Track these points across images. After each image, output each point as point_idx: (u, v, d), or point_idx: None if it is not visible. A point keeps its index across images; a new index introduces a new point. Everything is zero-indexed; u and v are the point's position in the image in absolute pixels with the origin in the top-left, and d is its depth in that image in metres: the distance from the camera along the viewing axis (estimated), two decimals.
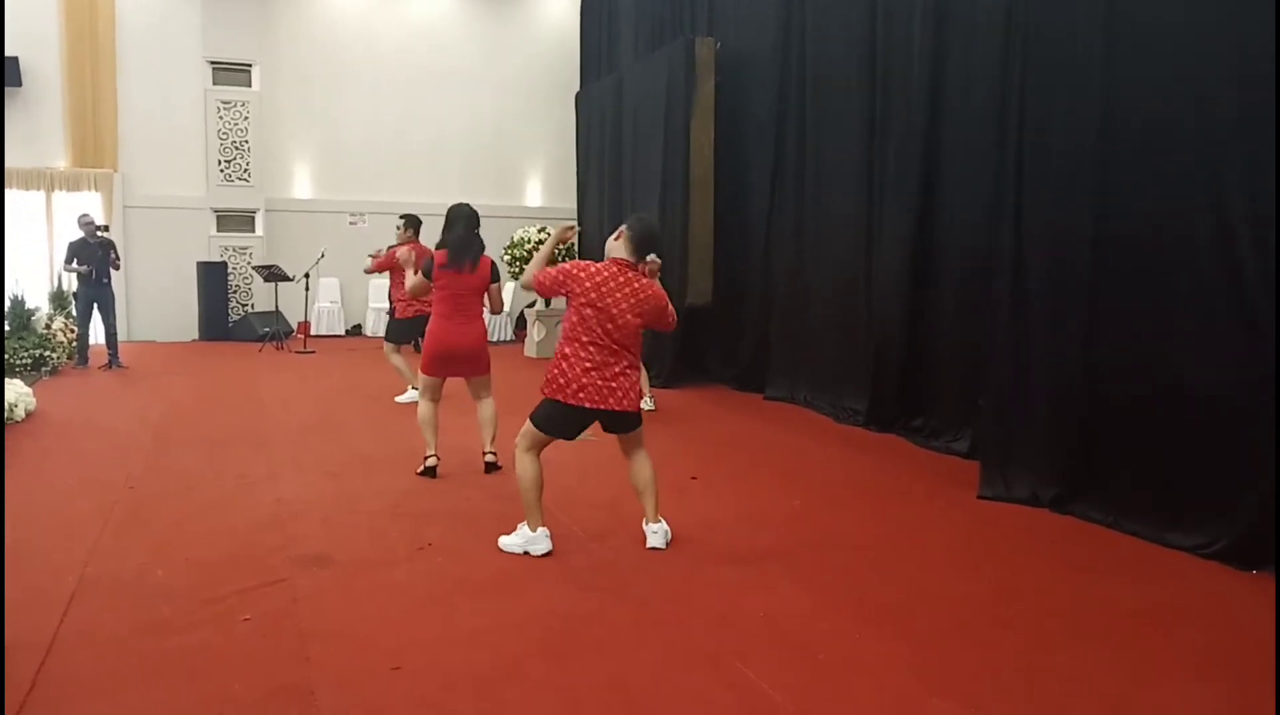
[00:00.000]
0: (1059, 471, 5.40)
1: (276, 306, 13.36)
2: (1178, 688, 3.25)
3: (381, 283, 12.13)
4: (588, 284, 4.30)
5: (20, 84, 12.69)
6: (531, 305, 12.57)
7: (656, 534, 4.58)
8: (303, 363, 11.56)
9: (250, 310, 14.05)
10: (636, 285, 4.36)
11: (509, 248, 12.47)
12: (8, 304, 9.83)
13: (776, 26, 9.20)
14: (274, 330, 13.00)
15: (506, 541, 4.49)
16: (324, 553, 4.46)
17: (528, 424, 4.45)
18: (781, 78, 9.17)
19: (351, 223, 14.48)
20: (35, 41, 12.80)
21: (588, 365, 4.30)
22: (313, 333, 13.71)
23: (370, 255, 9.13)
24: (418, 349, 8.47)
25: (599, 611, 3.84)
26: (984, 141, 6.42)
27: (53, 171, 13.12)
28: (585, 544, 4.66)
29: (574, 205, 14.07)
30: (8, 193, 12.79)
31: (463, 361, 5.87)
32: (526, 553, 4.41)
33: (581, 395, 4.30)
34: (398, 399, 8.68)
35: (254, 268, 13.52)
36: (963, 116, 6.84)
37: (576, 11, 14.72)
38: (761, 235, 9.56)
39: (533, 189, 15.47)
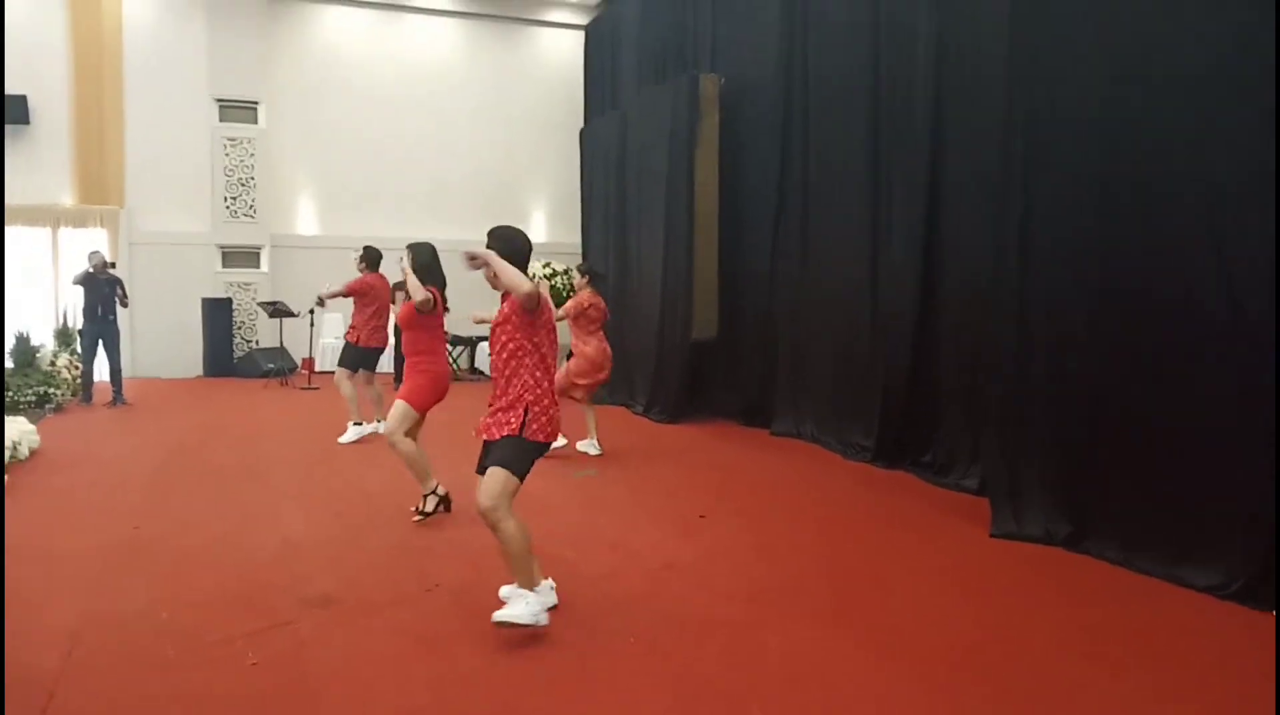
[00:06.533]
0: (1071, 509, 5.36)
1: (281, 342, 13.36)
2: None
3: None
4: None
5: (28, 122, 12.78)
6: None
7: (551, 590, 4.24)
8: (306, 399, 11.54)
9: (255, 346, 14.04)
10: None
11: None
12: (12, 342, 9.84)
13: (779, 60, 9.26)
14: (278, 366, 13.00)
15: (516, 613, 3.85)
16: (330, 593, 4.41)
17: (509, 479, 3.89)
18: (785, 111, 9.21)
19: (356, 257, 14.49)
20: (44, 81, 12.91)
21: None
22: (317, 369, 13.70)
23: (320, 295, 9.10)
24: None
25: (607, 650, 3.79)
26: (989, 175, 6.40)
27: (59, 208, 13.17)
28: (594, 582, 4.61)
29: (578, 239, 14.13)
30: (12, 229, 12.88)
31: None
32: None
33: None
34: (342, 440, 8.45)
35: (259, 304, 13.54)
36: (967, 150, 6.83)
37: (580, 46, 14.88)
38: (766, 269, 9.56)
39: (537, 223, 15.51)
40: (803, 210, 8.97)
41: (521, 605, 3.85)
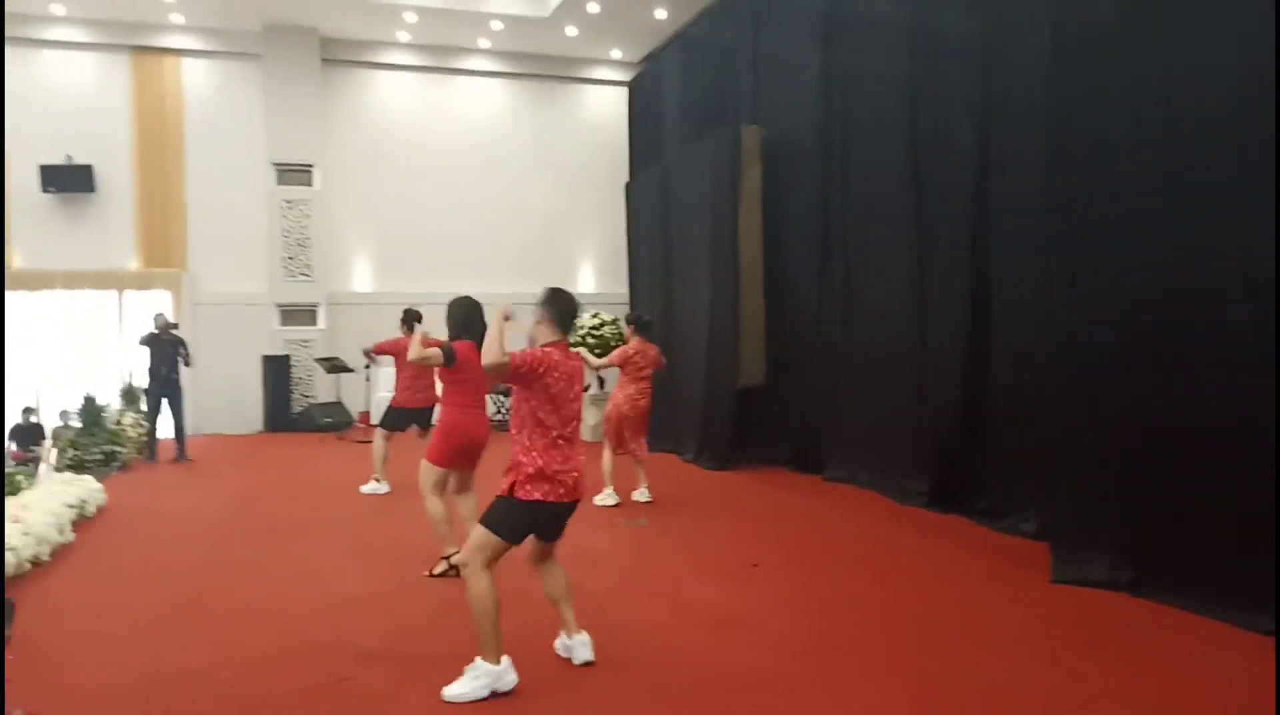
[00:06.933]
0: (1137, 553, 5.24)
1: (338, 397, 13.61)
2: None
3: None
4: (559, 373, 4.01)
5: (94, 190, 13.32)
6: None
7: (586, 645, 4.26)
8: (363, 453, 11.66)
9: (313, 401, 14.30)
10: (577, 364, 4.21)
11: None
12: (80, 402, 10.17)
13: (819, 112, 9.35)
14: (335, 421, 13.22)
15: (458, 691, 3.84)
16: (388, 649, 4.45)
17: (486, 537, 3.95)
18: (825, 161, 9.28)
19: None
20: (109, 151, 13.49)
21: (570, 456, 4.06)
22: (372, 422, 13.89)
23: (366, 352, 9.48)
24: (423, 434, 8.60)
25: (657, 706, 3.77)
26: (1033, 216, 6.40)
27: (124, 273, 13.64)
28: (643, 635, 4.60)
29: (626, 291, 14.25)
30: (80, 293, 13.40)
31: (476, 453, 5.83)
32: (495, 693, 3.85)
33: (578, 490, 4.10)
34: (363, 489, 8.73)
35: (316, 360, 13.82)
36: (1011, 192, 6.84)
37: (624, 103, 15.13)
38: (812, 316, 9.56)
39: (585, 275, 15.69)
40: (846, 255, 9.00)
41: (462, 683, 3.85)
